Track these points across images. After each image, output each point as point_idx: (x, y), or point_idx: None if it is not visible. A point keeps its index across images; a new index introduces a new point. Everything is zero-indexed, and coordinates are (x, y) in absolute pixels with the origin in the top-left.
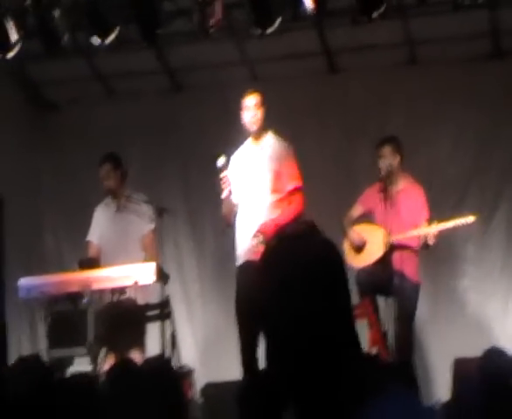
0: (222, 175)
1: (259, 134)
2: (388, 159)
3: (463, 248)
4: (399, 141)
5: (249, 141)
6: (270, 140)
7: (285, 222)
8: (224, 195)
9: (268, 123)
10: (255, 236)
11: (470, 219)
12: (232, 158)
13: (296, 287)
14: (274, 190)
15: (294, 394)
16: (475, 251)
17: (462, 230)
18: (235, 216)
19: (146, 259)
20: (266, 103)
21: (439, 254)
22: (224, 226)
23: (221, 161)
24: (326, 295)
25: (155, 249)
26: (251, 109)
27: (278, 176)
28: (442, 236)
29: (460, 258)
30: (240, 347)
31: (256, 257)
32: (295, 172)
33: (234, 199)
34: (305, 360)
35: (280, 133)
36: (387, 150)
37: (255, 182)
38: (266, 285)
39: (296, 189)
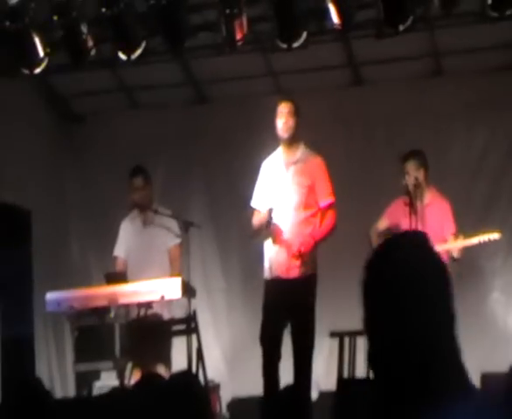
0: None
1: (291, 144)
2: (413, 174)
3: (491, 261)
4: (424, 155)
5: (281, 151)
6: (303, 154)
7: (321, 237)
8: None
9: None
10: (295, 255)
11: (495, 236)
12: (264, 164)
13: (407, 294)
14: (307, 206)
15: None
16: (503, 264)
17: (489, 244)
18: (268, 224)
19: (172, 273)
20: (300, 114)
21: (467, 267)
22: (251, 237)
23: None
24: (435, 302)
25: (181, 263)
26: (283, 116)
27: (311, 191)
28: (469, 249)
29: (488, 271)
30: (264, 360)
31: (287, 274)
32: (329, 187)
33: (264, 208)
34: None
35: (304, 144)
36: (412, 165)
37: (287, 196)
38: (375, 292)
39: (330, 205)
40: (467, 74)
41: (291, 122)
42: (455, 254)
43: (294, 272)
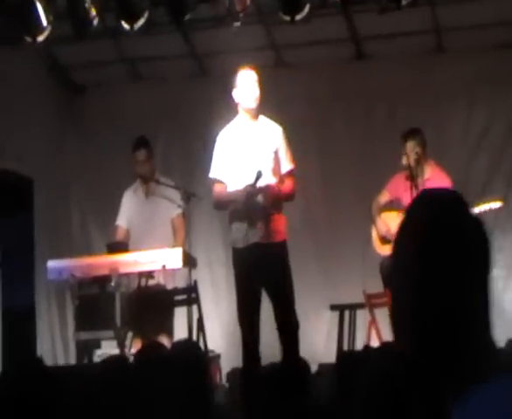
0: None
1: (256, 112)
2: (412, 154)
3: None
4: (421, 133)
5: (243, 120)
6: (265, 122)
7: (285, 194)
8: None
9: (295, 108)
10: (262, 213)
11: (497, 204)
12: (222, 134)
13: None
14: (274, 172)
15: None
16: (503, 239)
17: (490, 217)
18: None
19: (176, 243)
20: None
21: None
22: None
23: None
24: (474, 267)
25: (184, 233)
26: (252, 85)
27: (276, 158)
28: None
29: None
30: (244, 330)
31: (261, 239)
32: (289, 154)
33: (225, 177)
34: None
35: (306, 118)
36: (411, 146)
37: (257, 164)
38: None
39: (291, 171)
40: (468, 51)
41: (258, 92)
42: None
43: (267, 238)
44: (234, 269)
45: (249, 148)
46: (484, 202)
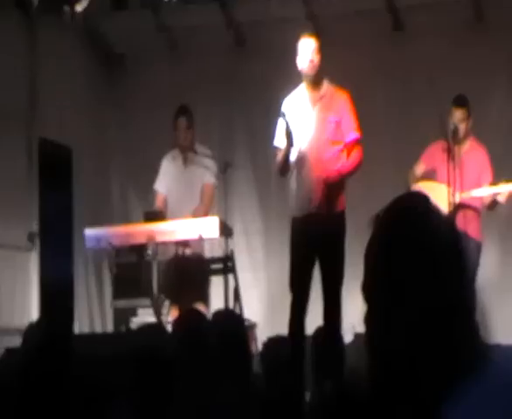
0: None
1: (315, 82)
2: (460, 122)
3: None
4: (469, 104)
5: (304, 88)
6: (328, 90)
7: (347, 172)
8: (280, 144)
9: (332, 81)
10: (322, 186)
11: None
12: (286, 101)
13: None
14: (334, 142)
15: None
16: None
17: None
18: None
19: (198, 209)
20: (321, 49)
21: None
22: (279, 174)
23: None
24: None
25: (211, 200)
26: (307, 54)
27: (338, 127)
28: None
29: None
30: (292, 300)
31: (316, 211)
32: (355, 122)
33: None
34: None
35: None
36: (462, 113)
37: (315, 133)
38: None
39: (356, 140)
40: (508, 23)
41: (316, 60)
42: (501, 199)
43: (323, 208)
44: (291, 237)
45: (307, 118)
46: None
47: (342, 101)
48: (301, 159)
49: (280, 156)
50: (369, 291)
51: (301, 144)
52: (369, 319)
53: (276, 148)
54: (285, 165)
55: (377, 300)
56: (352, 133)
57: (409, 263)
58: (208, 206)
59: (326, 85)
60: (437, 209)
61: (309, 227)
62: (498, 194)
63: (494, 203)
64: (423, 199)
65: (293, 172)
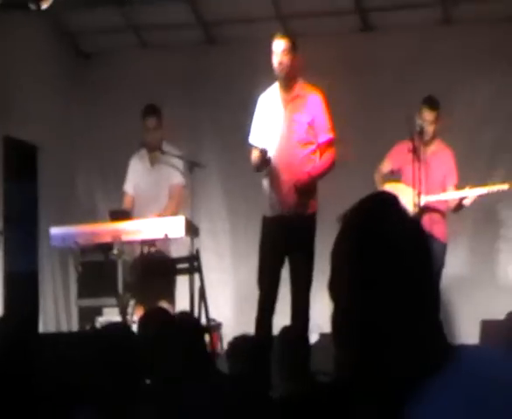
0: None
1: (288, 82)
2: (429, 123)
3: (498, 211)
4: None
5: (278, 87)
6: (302, 89)
7: (319, 174)
8: (255, 141)
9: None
10: (292, 191)
11: (504, 187)
12: (261, 99)
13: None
14: (306, 142)
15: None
16: (507, 214)
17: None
18: (265, 162)
19: (165, 209)
20: (296, 49)
21: (475, 215)
22: (254, 170)
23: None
24: (412, 273)
25: (179, 201)
26: (278, 54)
27: (310, 128)
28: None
29: (496, 221)
30: (259, 299)
31: (287, 212)
32: (328, 123)
33: (261, 143)
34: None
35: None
36: (433, 114)
37: (286, 134)
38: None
39: (329, 141)
40: (475, 23)
41: (286, 60)
42: (467, 203)
43: (293, 210)
44: (261, 236)
45: (279, 118)
46: (492, 184)
47: (315, 102)
48: (272, 160)
49: (255, 158)
50: (336, 290)
51: (273, 145)
52: (335, 318)
53: (252, 146)
54: (260, 167)
55: (344, 299)
56: (324, 134)
57: (377, 262)
58: (177, 207)
59: (299, 86)
60: (404, 209)
61: (279, 228)
62: (463, 198)
63: (459, 206)
64: (390, 198)
65: (265, 172)
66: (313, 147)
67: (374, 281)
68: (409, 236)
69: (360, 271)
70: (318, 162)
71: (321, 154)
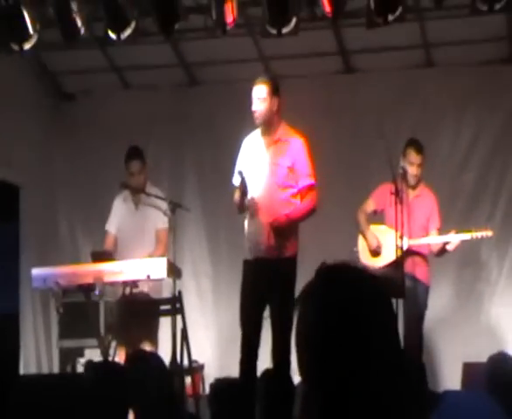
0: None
1: (268, 127)
2: (420, 167)
3: (480, 253)
4: None
5: (260, 131)
6: (284, 133)
7: (297, 217)
8: (237, 183)
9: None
10: (270, 231)
11: (488, 233)
12: (245, 141)
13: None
14: (286, 186)
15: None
16: (488, 257)
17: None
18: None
19: (154, 253)
20: (276, 93)
21: (457, 257)
22: (238, 211)
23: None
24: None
25: (166, 244)
26: (256, 101)
27: (291, 172)
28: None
29: (478, 263)
30: (242, 342)
31: (266, 254)
32: (309, 168)
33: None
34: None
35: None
36: (419, 158)
37: (267, 177)
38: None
39: (310, 186)
40: (456, 66)
41: (262, 107)
42: (451, 248)
43: (273, 253)
44: (242, 278)
45: (260, 161)
46: (476, 231)
47: (296, 146)
48: (248, 188)
49: (236, 198)
50: (305, 372)
51: (253, 188)
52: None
53: (234, 187)
54: (241, 207)
55: (315, 379)
56: (305, 178)
57: (336, 334)
58: (164, 252)
59: (282, 129)
60: (360, 274)
61: (258, 270)
62: (447, 243)
63: (442, 251)
64: (342, 269)
65: (246, 214)
66: (293, 190)
67: (336, 355)
68: (366, 302)
69: (320, 348)
70: (297, 205)
71: (301, 199)
